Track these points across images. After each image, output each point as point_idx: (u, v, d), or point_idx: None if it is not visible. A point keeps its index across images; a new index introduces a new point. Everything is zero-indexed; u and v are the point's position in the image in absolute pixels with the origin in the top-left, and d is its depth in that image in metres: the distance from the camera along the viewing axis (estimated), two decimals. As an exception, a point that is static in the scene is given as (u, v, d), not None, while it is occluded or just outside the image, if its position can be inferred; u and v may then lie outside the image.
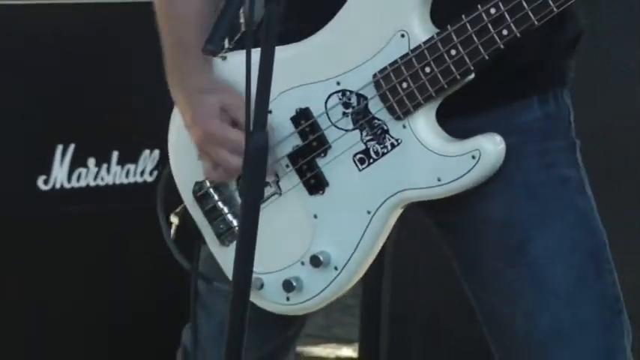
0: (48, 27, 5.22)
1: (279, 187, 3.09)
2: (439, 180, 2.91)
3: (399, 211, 3.01)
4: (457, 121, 2.95)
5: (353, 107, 3.02)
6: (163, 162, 3.94)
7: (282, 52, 2.75)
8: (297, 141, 3.05)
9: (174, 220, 3.24)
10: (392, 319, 5.44)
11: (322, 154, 3.05)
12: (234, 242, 2.84)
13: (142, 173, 4.72)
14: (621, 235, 3.58)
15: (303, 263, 3.06)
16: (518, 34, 2.83)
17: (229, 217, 3.08)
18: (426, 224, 3.18)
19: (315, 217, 3.07)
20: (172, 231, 3.24)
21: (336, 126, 3.00)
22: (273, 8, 2.51)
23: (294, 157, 3.05)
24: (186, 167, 3.25)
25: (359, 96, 2.98)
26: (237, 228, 3.07)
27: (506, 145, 2.90)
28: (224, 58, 3.05)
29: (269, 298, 3.12)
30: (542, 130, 3.08)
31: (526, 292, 3.03)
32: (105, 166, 5.05)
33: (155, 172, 4.73)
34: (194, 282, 3.24)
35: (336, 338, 7.01)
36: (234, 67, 3.08)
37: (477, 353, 3.61)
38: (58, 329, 5.10)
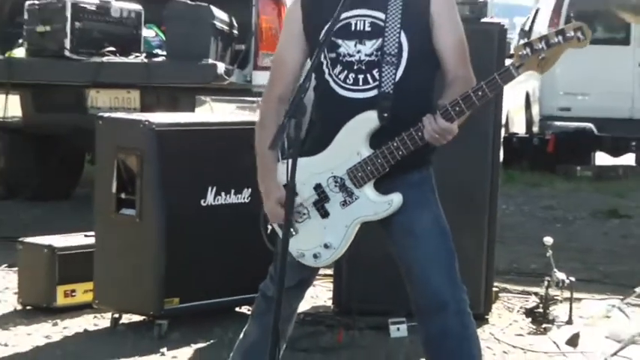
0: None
1: (309, 216, 5.20)
2: (375, 214, 5.14)
3: (359, 225, 5.23)
4: (384, 183, 5.12)
5: (338, 183, 5.16)
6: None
7: (308, 159, 5.09)
8: (315, 197, 5.21)
9: (265, 230, 5.44)
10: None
11: (326, 202, 5.21)
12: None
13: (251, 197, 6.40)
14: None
15: (321, 246, 5.24)
16: (407, 154, 4.96)
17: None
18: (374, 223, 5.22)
19: (325, 228, 5.25)
20: (266, 233, 5.42)
21: (332, 191, 5.18)
22: (299, 133, 4.69)
23: (315, 203, 5.21)
24: (270, 203, 5.26)
25: (341, 178, 5.15)
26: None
27: (402, 192, 5.08)
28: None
29: (307, 261, 5.26)
30: (419, 182, 5.23)
31: (418, 253, 5.16)
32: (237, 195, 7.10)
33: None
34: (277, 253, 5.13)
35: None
36: (282, 171, 5.09)
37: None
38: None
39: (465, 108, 4.92)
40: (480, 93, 4.91)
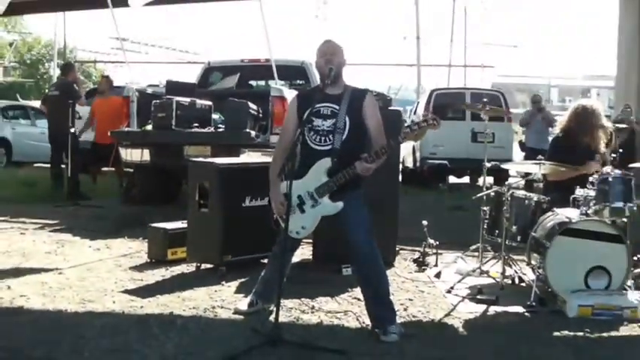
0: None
1: (294, 212, 5.13)
2: (329, 212, 5.15)
3: (320, 217, 5.22)
4: (335, 195, 5.13)
5: (310, 195, 5.18)
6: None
7: (296, 182, 5.03)
8: (298, 202, 5.18)
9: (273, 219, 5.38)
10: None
11: (304, 205, 5.18)
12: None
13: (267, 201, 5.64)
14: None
15: (301, 228, 5.24)
16: (347, 180, 5.05)
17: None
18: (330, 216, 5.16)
19: (303, 218, 5.21)
20: (273, 221, 5.38)
21: (307, 199, 5.18)
22: (293, 163, 4.95)
23: (298, 205, 5.18)
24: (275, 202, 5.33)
25: (312, 193, 5.16)
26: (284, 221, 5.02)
27: (344, 200, 5.11)
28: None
29: (294, 235, 5.21)
30: (355, 196, 5.16)
31: (352, 228, 5.12)
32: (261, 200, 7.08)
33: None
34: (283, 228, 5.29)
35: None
36: (282, 187, 5.16)
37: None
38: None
39: (377, 157, 5.03)
40: (383, 150, 5.03)
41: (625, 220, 6.45)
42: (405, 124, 5.43)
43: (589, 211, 6.33)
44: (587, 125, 7.29)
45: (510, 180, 7.34)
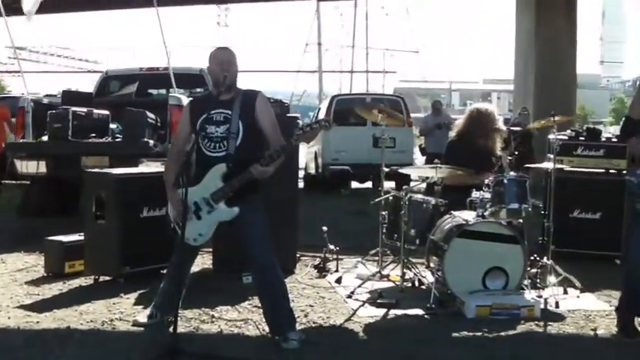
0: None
1: (191, 218, 5.03)
2: (225, 218, 5.09)
3: (217, 224, 5.14)
4: (231, 200, 5.05)
5: (206, 201, 5.10)
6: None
7: (192, 188, 4.96)
8: (194, 208, 5.08)
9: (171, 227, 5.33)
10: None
11: (200, 211, 5.10)
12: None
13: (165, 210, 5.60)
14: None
15: (198, 235, 5.15)
16: (243, 185, 4.99)
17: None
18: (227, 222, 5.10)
19: (200, 225, 5.12)
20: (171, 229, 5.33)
21: (203, 205, 5.09)
22: (187, 171, 4.94)
23: (195, 212, 5.09)
24: (171, 210, 5.26)
25: (208, 199, 5.08)
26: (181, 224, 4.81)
27: (240, 206, 5.05)
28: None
29: (191, 243, 5.13)
30: (251, 201, 5.10)
31: (248, 235, 5.10)
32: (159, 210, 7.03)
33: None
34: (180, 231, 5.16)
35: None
36: (179, 194, 5.04)
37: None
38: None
39: (271, 160, 5.04)
40: (277, 153, 5.05)
41: (521, 221, 6.61)
42: (298, 126, 5.47)
43: (485, 213, 6.48)
44: (483, 128, 7.46)
45: (412, 184, 7.41)
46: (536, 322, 5.81)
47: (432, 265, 6.61)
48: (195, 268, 5.94)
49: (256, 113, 5.20)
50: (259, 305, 5.50)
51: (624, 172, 7.51)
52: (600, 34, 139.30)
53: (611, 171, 8.53)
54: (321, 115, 17.64)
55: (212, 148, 5.14)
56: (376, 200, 7.33)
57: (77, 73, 50.40)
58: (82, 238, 7.31)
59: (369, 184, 18.86)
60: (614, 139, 8.57)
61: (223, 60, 5.19)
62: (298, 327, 5.34)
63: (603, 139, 8.91)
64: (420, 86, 76.80)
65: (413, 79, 75.68)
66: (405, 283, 6.74)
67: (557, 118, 6.85)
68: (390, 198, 7.14)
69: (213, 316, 5.80)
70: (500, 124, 7.57)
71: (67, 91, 11.41)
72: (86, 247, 7.13)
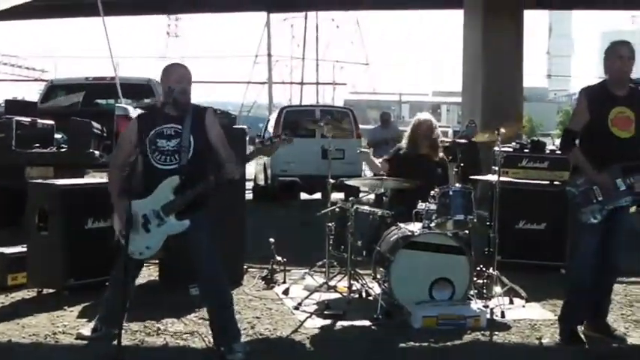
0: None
1: (139, 231, 5.01)
2: (175, 230, 5.04)
3: (166, 236, 5.07)
4: (182, 214, 5.04)
5: (156, 213, 5.05)
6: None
7: (141, 200, 4.98)
8: (142, 221, 5.04)
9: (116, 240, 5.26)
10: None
11: (149, 224, 5.05)
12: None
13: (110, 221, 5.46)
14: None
15: (145, 248, 5.10)
16: (193, 198, 4.99)
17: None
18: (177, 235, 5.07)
19: (147, 238, 5.07)
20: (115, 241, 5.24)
21: (152, 218, 5.04)
22: (131, 183, 4.90)
23: (143, 224, 5.05)
24: (116, 222, 5.15)
25: (158, 211, 5.04)
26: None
27: (190, 219, 5.02)
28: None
29: (137, 256, 5.10)
30: (200, 215, 5.07)
31: (195, 248, 5.07)
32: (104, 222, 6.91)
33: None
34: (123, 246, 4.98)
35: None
36: (125, 205, 4.86)
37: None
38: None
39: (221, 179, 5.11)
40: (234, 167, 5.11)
41: (467, 231, 6.70)
42: (258, 140, 5.51)
43: (432, 225, 6.56)
44: (423, 138, 7.52)
45: (361, 195, 7.42)
46: (482, 332, 5.85)
47: (378, 276, 6.63)
48: (141, 279, 5.91)
49: (207, 129, 5.22)
50: (206, 317, 5.47)
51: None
52: (547, 48, 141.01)
53: (556, 182, 8.59)
54: (270, 127, 17.66)
55: (163, 160, 5.12)
56: (322, 212, 7.38)
57: (23, 82, 49.70)
58: (25, 249, 7.23)
59: (318, 196, 18.83)
60: (558, 152, 8.65)
61: (183, 79, 5.20)
62: (245, 339, 5.34)
63: (547, 152, 9.09)
64: (370, 98, 77.01)
65: (363, 91, 75.81)
66: (352, 295, 6.78)
67: (501, 131, 6.88)
68: (337, 209, 7.17)
69: (158, 329, 5.75)
70: (439, 134, 7.69)
71: (10, 100, 11.25)
72: (29, 259, 7.05)
